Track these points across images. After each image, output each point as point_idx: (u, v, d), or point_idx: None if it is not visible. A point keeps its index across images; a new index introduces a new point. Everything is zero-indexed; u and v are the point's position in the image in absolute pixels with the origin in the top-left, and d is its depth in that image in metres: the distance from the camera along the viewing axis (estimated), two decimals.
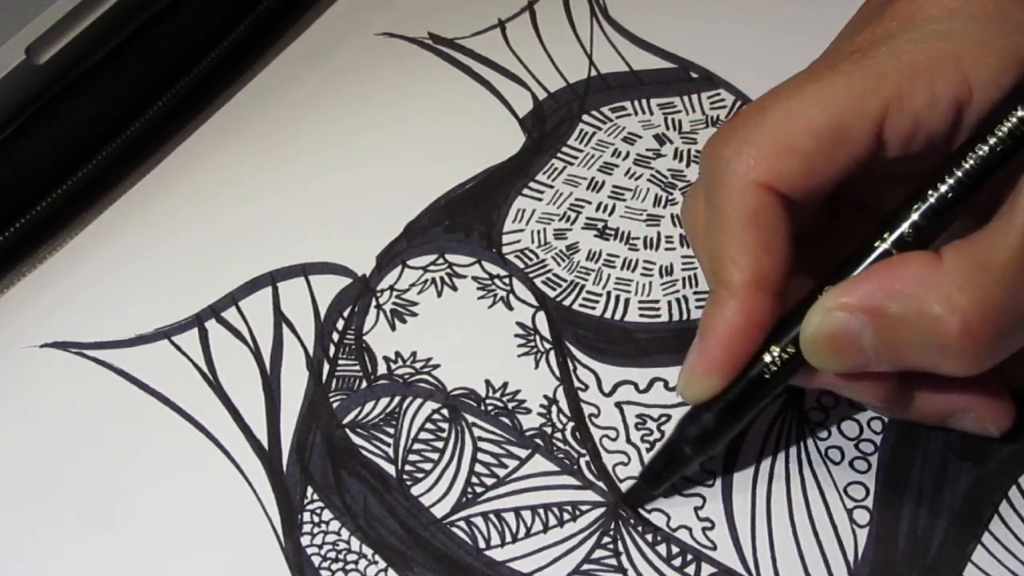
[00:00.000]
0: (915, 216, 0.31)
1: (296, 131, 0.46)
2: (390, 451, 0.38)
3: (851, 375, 0.33)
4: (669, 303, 0.40)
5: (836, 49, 0.34)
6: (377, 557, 0.36)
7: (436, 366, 0.39)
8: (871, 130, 0.31)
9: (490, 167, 0.44)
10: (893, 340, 0.31)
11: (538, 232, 0.42)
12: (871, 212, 0.36)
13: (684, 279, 0.41)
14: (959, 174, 0.31)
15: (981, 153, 0.30)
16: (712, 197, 0.33)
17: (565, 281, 0.41)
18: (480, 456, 0.37)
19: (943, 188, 0.31)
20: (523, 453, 0.38)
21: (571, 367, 0.39)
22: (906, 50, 0.31)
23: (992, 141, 0.30)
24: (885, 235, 0.31)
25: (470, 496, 0.37)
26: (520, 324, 0.40)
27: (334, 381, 0.39)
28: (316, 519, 0.37)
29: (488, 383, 0.39)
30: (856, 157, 0.32)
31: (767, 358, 0.33)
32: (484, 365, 0.39)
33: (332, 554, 0.36)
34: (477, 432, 0.38)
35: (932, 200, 0.31)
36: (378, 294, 0.41)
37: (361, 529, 0.36)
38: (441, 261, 0.42)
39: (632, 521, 0.36)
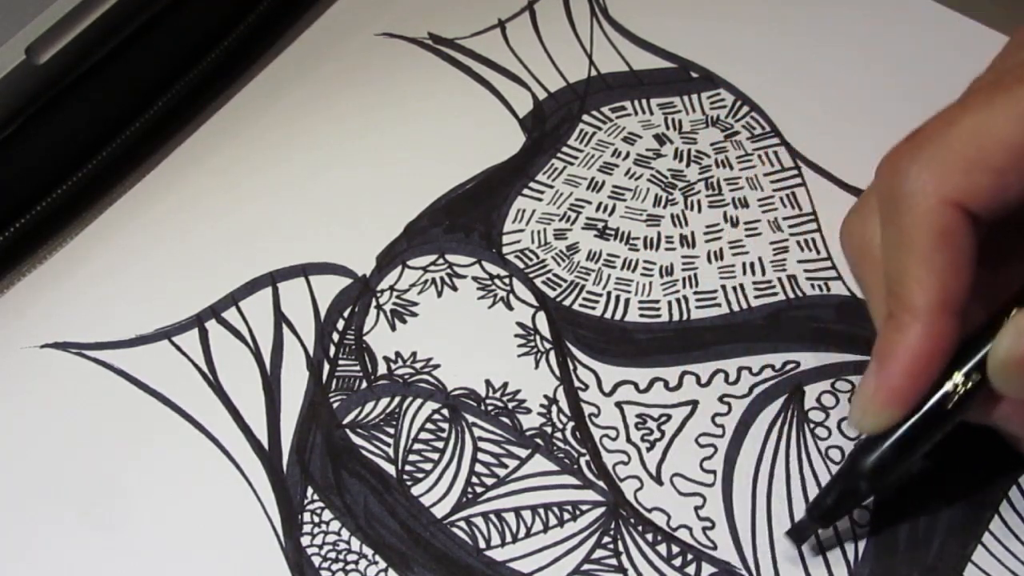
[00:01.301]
0: None
1: (296, 131, 0.46)
2: (390, 451, 0.38)
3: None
4: (669, 303, 0.40)
5: (1019, 62, 0.32)
6: (377, 557, 0.36)
7: (436, 366, 0.39)
8: None
9: (490, 167, 0.44)
10: None
11: (538, 232, 0.42)
12: None
13: (684, 279, 0.41)
14: None
15: None
16: (894, 216, 0.31)
17: (565, 281, 0.41)
18: (480, 456, 0.37)
19: None
20: (523, 453, 0.38)
21: (571, 367, 0.39)
22: None
23: None
24: None
25: (470, 496, 0.37)
26: (520, 324, 0.40)
27: (334, 381, 0.39)
28: (316, 519, 0.37)
29: (488, 383, 0.39)
30: None
31: (950, 386, 0.31)
32: (484, 365, 0.39)
33: (332, 554, 0.36)
34: (477, 432, 0.38)
35: None
36: (378, 294, 0.41)
37: (361, 529, 0.36)
38: (441, 261, 0.42)
39: (632, 521, 0.36)
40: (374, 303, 0.41)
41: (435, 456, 0.38)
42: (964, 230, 0.31)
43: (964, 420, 0.33)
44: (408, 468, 0.37)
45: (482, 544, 0.36)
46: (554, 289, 0.41)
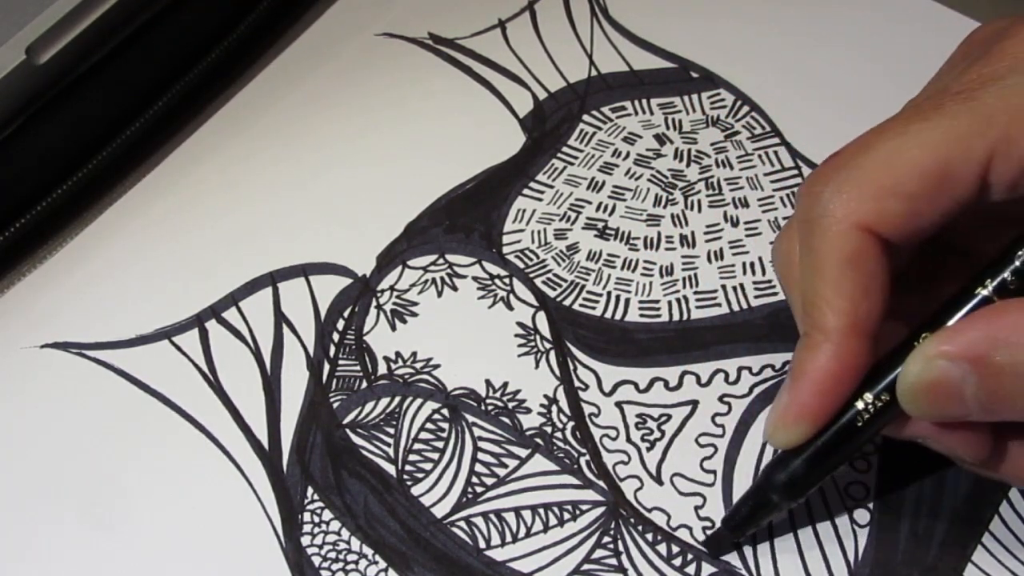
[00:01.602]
0: (1018, 263, 0.30)
1: (296, 131, 0.46)
2: (390, 451, 0.38)
3: (948, 428, 0.32)
4: (669, 303, 0.40)
5: (940, 88, 0.33)
6: (377, 557, 0.36)
7: (436, 366, 0.39)
8: (977, 173, 0.30)
9: (490, 167, 0.44)
10: (998, 390, 0.30)
11: (538, 232, 0.42)
12: (963, 255, 0.35)
13: (684, 279, 0.41)
14: None
15: None
16: (808, 238, 0.32)
17: (565, 281, 0.41)
18: (480, 456, 0.37)
19: None
20: (523, 453, 0.38)
21: (571, 367, 0.39)
22: (1015, 92, 0.30)
23: None
24: (987, 281, 0.31)
25: (470, 496, 0.37)
26: (520, 324, 0.40)
27: (334, 381, 0.39)
28: (316, 519, 0.37)
29: (488, 383, 0.39)
30: (960, 200, 0.31)
31: (860, 405, 0.32)
32: (484, 365, 0.39)
33: (332, 554, 0.36)
34: (477, 432, 0.38)
35: None
36: (378, 294, 0.41)
37: (361, 529, 0.36)
38: (441, 261, 0.42)
39: (632, 520, 0.36)
40: (374, 303, 0.41)
41: (435, 456, 0.38)
42: (874, 255, 0.31)
43: (885, 435, 0.33)
44: (408, 468, 0.37)
45: (482, 544, 0.36)
46: (554, 289, 0.41)
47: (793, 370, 0.32)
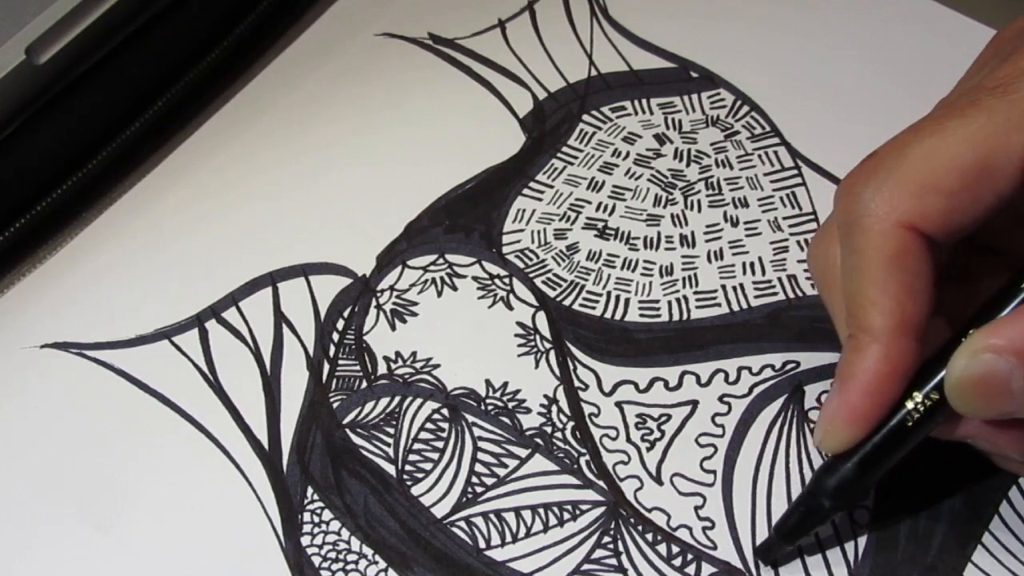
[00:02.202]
0: None
1: (296, 131, 0.46)
2: (390, 451, 0.38)
3: (997, 427, 0.32)
4: (669, 303, 0.40)
5: (974, 86, 0.33)
6: (377, 557, 0.36)
7: (436, 366, 0.39)
8: (1018, 166, 0.30)
9: (490, 167, 0.44)
10: None
11: (538, 232, 0.42)
12: (1000, 254, 0.35)
13: (684, 279, 0.41)
14: None
15: None
16: (850, 239, 0.32)
17: (565, 281, 0.41)
18: (480, 456, 0.37)
19: None
20: (523, 453, 0.38)
21: (571, 367, 0.39)
22: None
23: None
24: None
25: (470, 496, 0.37)
26: (520, 324, 0.40)
27: (334, 381, 0.39)
28: (316, 519, 0.37)
29: (488, 383, 0.39)
30: (1002, 195, 0.31)
31: (910, 405, 0.32)
32: (484, 365, 0.39)
33: (332, 554, 0.36)
34: (477, 432, 0.38)
35: None
36: (378, 294, 0.41)
37: (361, 529, 0.36)
38: (441, 261, 0.42)
39: (632, 520, 0.36)
40: (374, 303, 0.41)
41: (435, 456, 0.38)
42: (919, 253, 0.31)
43: (933, 437, 0.33)
44: (408, 468, 0.37)
45: (482, 544, 0.36)
46: (554, 289, 0.41)
47: (841, 373, 0.32)
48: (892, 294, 0.31)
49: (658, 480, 0.37)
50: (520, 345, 0.40)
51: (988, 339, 0.30)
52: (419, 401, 0.39)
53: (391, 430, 0.38)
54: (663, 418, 0.38)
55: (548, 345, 0.40)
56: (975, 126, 0.31)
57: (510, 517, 0.36)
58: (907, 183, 0.31)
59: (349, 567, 0.36)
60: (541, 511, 0.36)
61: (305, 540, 0.36)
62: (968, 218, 0.31)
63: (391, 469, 0.37)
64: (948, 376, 0.31)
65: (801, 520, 0.34)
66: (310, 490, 0.37)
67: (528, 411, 0.38)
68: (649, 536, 0.36)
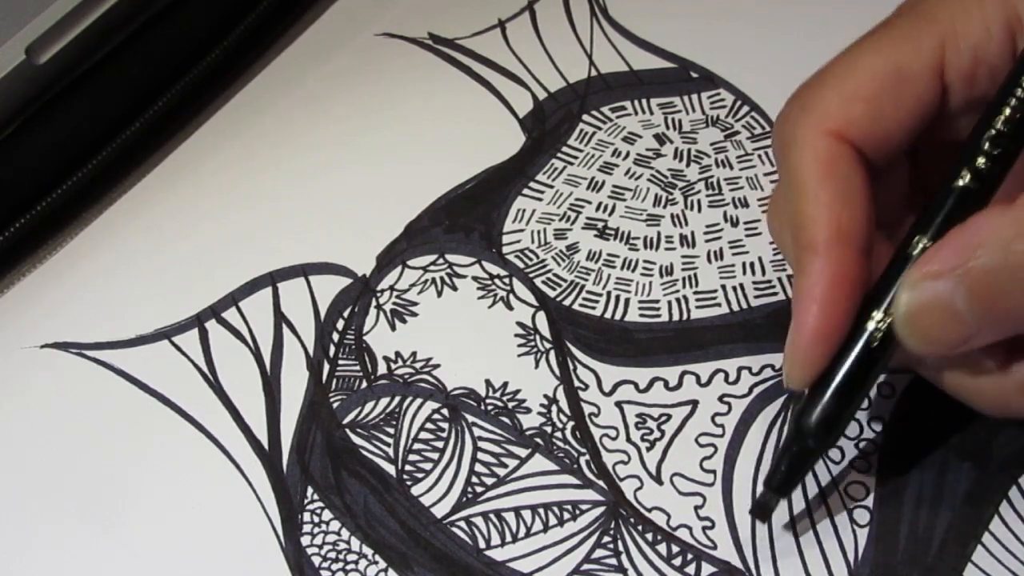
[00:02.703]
0: (987, 145, 0.30)
1: (296, 131, 0.46)
2: (390, 451, 0.38)
3: (959, 360, 0.31)
4: (669, 303, 0.40)
5: (892, 14, 0.34)
6: (377, 557, 0.36)
7: (436, 366, 0.39)
8: (932, 68, 0.31)
9: (490, 167, 0.44)
10: (986, 292, 0.29)
11: (538, 232, 0.42)
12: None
13: (684, 279, 0.41)
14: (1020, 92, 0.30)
15: None
16: (785, 160, 0.33)
17: (565, 281, 0.41)
18: (480, 456, 0.37)
19: (1007, 110, 0.30)
20: (523, 452, 0.38)
21: (571, 367, 0.39)
22: None
23: None
24: (963, 171, 0.30)
25: (470, 496, 0.37)
26: (520, 324, 0.40)
27: (334, 381, 0.39)
28: (316, 519, 0.37)
29: (488, 383, 0.39)
30: (921, 99, 0.32)
31: (871, 325, 0.31)
32: (484, 365, 0.39)
33: (332, 554, 0.36)
34: (477, 432, 0.38)
35: (999, 125, 0.30)
36: (378, 294, 0.41)
37: (361, 529, 0.36)
38: (441, 261, 0.42)
39: (632, 520, 0.36)
40: (374, 303, 0.41)
41: (435, 456, 0.38)
42: (849, 161, 0.32)
43: (908, 370, 0.33)
44: (408, 468, 0.37)
45: (482, 544, 0.36)
46: (554, 289, 0.41)
47: (793, 300, 0.32)
48: (826, 203, 0.31)
49: (658, 480, 0.37)
50: (520, 345, 0.40)
51: (924, 267, 0.30)
52: (419, 401, 0.39)
53: (391, 430, 0.38)
54: (663, 418, 0.38)
55: (548, 345, 0.40)
56: (886, 38, 0.32)
57: (510, 517, 0.36)
58: (830, 95, 0.32)
59: (349, 567, 0.36)
60: (541, 511, 0.36)
61: (305, 540, 0.36)
62: (893, 124, 0.32)
63: (391, 469, 0.37)
64: (895, 314, 0.30)
65: (790, 466, 0.33)
66: (310, 490, 0.37)
67: (528, 411, 0.38)
68: (649, 536, 0.36)
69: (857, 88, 0.32)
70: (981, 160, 0.30)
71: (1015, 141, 0.30)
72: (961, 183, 0.30)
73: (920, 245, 0.31)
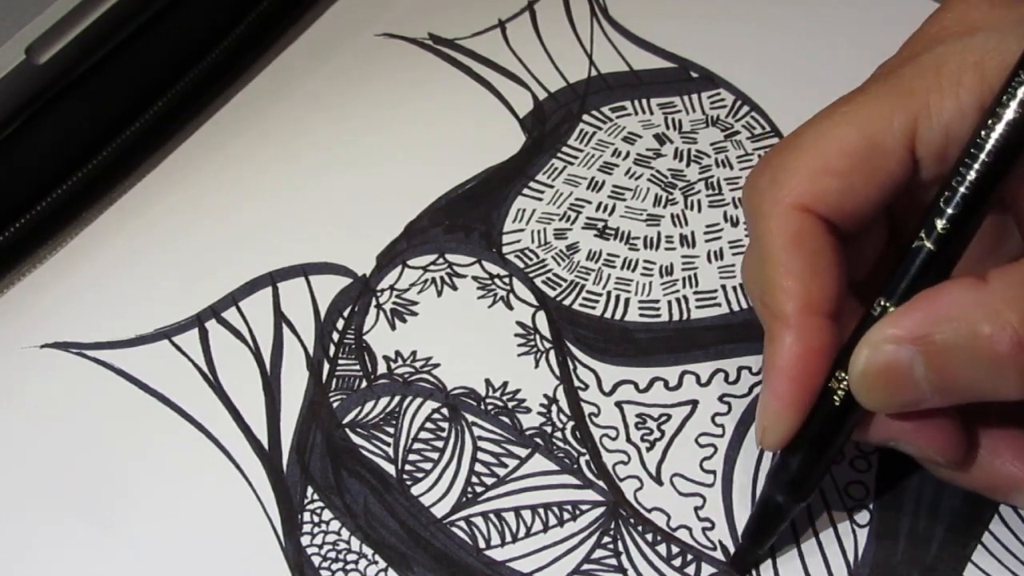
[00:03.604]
0: (942, 203, 0.30)
1: (296, 131, 0.46)
2: (390, 451, 0.38)
3: (916, 424, 0.32)
4: (669, 303, 0.40)
5: (870, 77, 0.34)
6: (377, 557, 0.36)
7: (436, 365, 0.39)
8: (904, 144, 0.31)
9: (490, 167, 0.44)
10: (945, 367, 0.30)
11: (538, 232, 0.42)
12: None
13: (684, 279, 0.41)
14: (983, 156, 0.30)
15: (1002, 128, 0.29)
16: (754, 229, 0.33)
17: (565, 281, 0.41)
18: (480, 455, 0.37)
19: (971, 175, 0.30)
20: (523, 452, 0.38)
21: (571, 366, 0.39)
22: (930, 66, 0.31)
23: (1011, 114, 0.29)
24: (921, 233, 0.30)
25: (470, 496, 0.37)
26: (520, 324, 0.40)
27: (334, 381, 0.39)
28: (316, 519, 0.37)
29: (488, 382, 0.39)
30: (892, 174, 0.31)
31: (833, 383, 0.32)
32: (484, 364, 0.39)
33: (332, 554, 0.36)
34: (477, 431, 0.38)
35: (962, 188, 0.30)
36: (378, 294, 0.41)
37: (361, 529, 0.36)
38: (441, 261, 0.42)
39: (632, 520, 0.36)
40: (374, 302, 0.41)
41: (435, 456, 0.38)
42: (818, 233, 0.32)
43: (856, 441, 0.33)
44: (408, 468, 0.37)
45: (482, 544, 0.36)
46: (554, 289, 0.41)
47: (764, 368, 0.33)
48: (795, 275, 0.32)
49: (658, 480, 0.37)
50: (520, 345, 0.40)
51: (887, 329, 0.30)
52: (419, 401, 0.39)
53: (391, 430, 0.38)
54: (663, 418, 0.38)
55: (548, 345, 0.40)
56: (860, 110, 0.32)
57: (510, 517, 0.36)
58: (800, 167, 0.32)
59: (349, 567, 0.36)
60: (541, 511, 0.36)
61: (305, 540, 0.36)
62: (862, 199, 0.32)
63: (391, 469, 0.37)
64: (851, 370, 0.31)
65: (761, 521, 0.34)
66: (310, 490, 0.37)
67: (528, 411, 0.38)
68: (649, 536, 0.36)
69: (827, 163, 0.32)
70: (940, 223, 0.30)
71: (974, 204, 0.30)
72: (918, 245, 0.31)
73: (879, 307, 0.31)
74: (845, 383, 0.31)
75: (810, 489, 0.33)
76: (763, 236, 0.32)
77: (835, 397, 0.32)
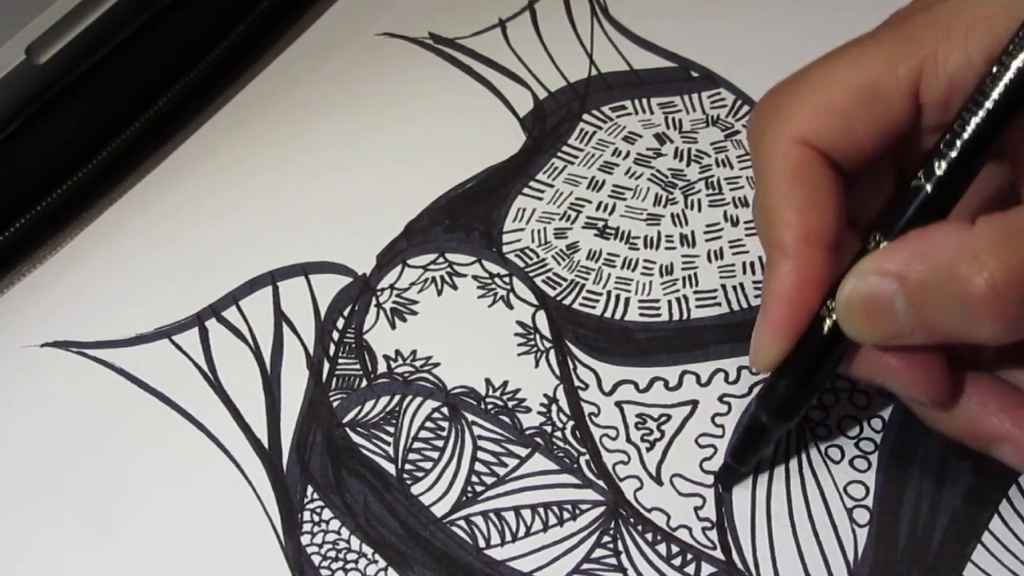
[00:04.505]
0: (950, 152, 0.31)
1: (296, 131, 0.46)
2: (390, 450, 0.38)
3: (902, 361, 0.32)
4: (669, 302, 0.40)
5: (882, 23, 0.35)
6: (377, 556, 0.36)
7: (436, 365, 0.39)
8: (907, 89, 0.32)
9: (490, 166, 0.44)
10: (923, 304, 0.30)
11: (538, 231, 0.42)
12: None
13: (684, 278, 0.41)
14: (988, 104, 0.30)
15: (1006, 79, 0.30)
16: (757, 162, 0.33)
17: (565, 280, 0.41)
18: (480, 455, 0.37)
19: (972, 121, 0.30)
20: (523, 452, 0.38)
21: (571, 366, 0.39)
22: (941, 16, 0.32)
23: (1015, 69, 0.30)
24: (919, 173, 0.31)
25: (470, 495, 0.37)
26: (520, 323, 0.40)
27: (334, 380, 0.39)
28: (316, 518, 0.37)
29: (488, 382, 0.39)
30: (893, 118, 0.32)
31: (824, 312, 0.32)
32: (484, 364, 0.39)
33: (332, 553, 0.36)
34: (477, 431, 0.38)
35: (963, 134, 0.30)
36: (378, 293, 0.41)
37: (361, 528, 0.36)
38: (441, 260, 0.42)
39: (632, 520, 0.36)
40: (374, 302, 0.41)
41: (435, 455, 0.38)
42: (819, 168, 0.33)
43: (846, 377, 0.34)
44: (408, 467, 0.37)
45: (482, 543, 0.36)
46: (554, 288, 0.41)
47: (762, 293, 0.33)
48: (795, 206, 0.32)
49: (658, 480, 0.37)
50: (520, 344, 0.40)
51: (875, 261, 0.31)
52: (419, 400, 0.39)
53: (391, 429, 0.38)
54: (663, 418, 0.38)
55: (548, 344, 0.40)
56: (866, 53, 0.32)
57: (510, 516, 0.36)
58: (803, 103, 0.33)
59: (349, 566, 0.36)
60: (541, 510, 0.36)
61: (305, 539, 0.36)
62: (862, 139, 0.32)
63: (391, 468, 0.37)
64: (838, 298, 0.32)
65: (746, 441, 0.35)
66: (310, 489, 0.37)
67: (528, 410, 0.38)
68: (649, 536, 0.36)
69: (830, 100, 0.32)
70: (938, 165, 0.31)
71: (973, 150, 0.31)
72: (916, 185, 0.31)
73: (874, 241, 0.32)
74: (833, 312, 0.32)
75: (794, 413, 0.34)
76: (765, 168, 0.33)
77: (824, 325, 0.32)
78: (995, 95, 0.30)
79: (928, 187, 0.31)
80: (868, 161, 0.33)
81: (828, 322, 0.32)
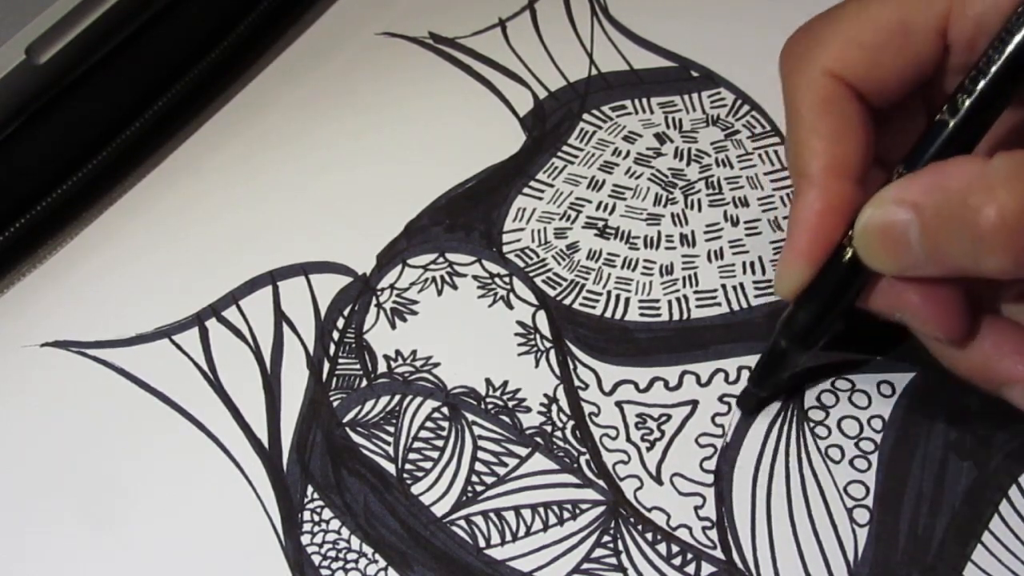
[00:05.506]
0: (979, 86, 0.31)
1: (296, 131, 0.46)
2: (390, 450, 0.38)
3: (917, 295, 0.33)
4: (669, 302, 0.40)
5: None
6: (377, 556, 0.36)
7: (436, 364, 0.39)
8: (935, 28, 0.33)
9: (490, 166, 0.44)
10: (935, 234, 0.31)
11: (538, 231, 0.42)
12: None
13: (684, 278, 0.41)
14: (1012, 44, 0.31)
15: None
16: (788, 93, 0.34)
17: (565, 280, 0.41)
18: (480, 455, 0.37)
19: (997, 59, 0.31)
20: (523, 452, 0.38)
21: (571, 366, 0.39)
22: None
23: None
24: (944, 109, 0.32)
25: (470, 495, 0.37)
26: (520, 323, 0.40)
27: (334, 380, 0.39)
28: (316, 518, 0.37)
29: (488, 382, 0.39)
30: (920, 55, 0.33)
31: (846, 241, 0.33)
32: (484, 364, 0.39)
33: (332, 553, 0.36)
34: (477, 431, 0.38)
35: (990, 71, 0.31)
36: (378, 293, 0.41)
37: (361, 528, 0.36)
38: (441, 260, 0.42)
39: (632, 520, 0.36)
40: (374, 301, 0.41)
41: (435, 455, 0.38)
42: (847, 101, 0.34)
43: (866, 310, 0.34)
44: (408, 467, 0.37)
45: (482, 543, 0.36)
46: (554, 288, 0.41)
47: (788, 221, 0.34)
48: (822, 135, 0.33)
49: (658, 480, 0.37)
50: (520, 344, 0.40)
51: (894, 190, 0.31)
52: (419, 400, 0.39)
53: (391, 429, 0.38)
54: (663, 418, 0.38)
55: (548, 344, 0.40)
56: None
57: (510, 516, 0.36)
58: (834, 37, 0.34)
59: (349, 566, 0.36)
60: (541, 510, 0.36)
61: (305, 539, 0.36)
62: (891, 74, 0.33)
63: (391, 468, 0.37)
64: (856, 226, 0.32)
65: (767, 365, 0.36)
66: (310, 489, 0.37)
67: (528, 410, 0.38)
68: (649, 535, 0.36)
69: (860, 35, 0.33)
70: (962, 100, 0.32)
71: (997, 88, 0.31)
72: (940, 120, 0.32)
73: (897, 173, 0.32)
74: (852, 240, 0.33)
75: (815, 340, 0.35)
76: (794, 98, 0.34)
77: (845, 255, 0.33)
78: (1020, 36, 0.31)
79: (951, 122, 0.32)
80: (895, 98, 0.34)
81: (849, 252, 0.33)
